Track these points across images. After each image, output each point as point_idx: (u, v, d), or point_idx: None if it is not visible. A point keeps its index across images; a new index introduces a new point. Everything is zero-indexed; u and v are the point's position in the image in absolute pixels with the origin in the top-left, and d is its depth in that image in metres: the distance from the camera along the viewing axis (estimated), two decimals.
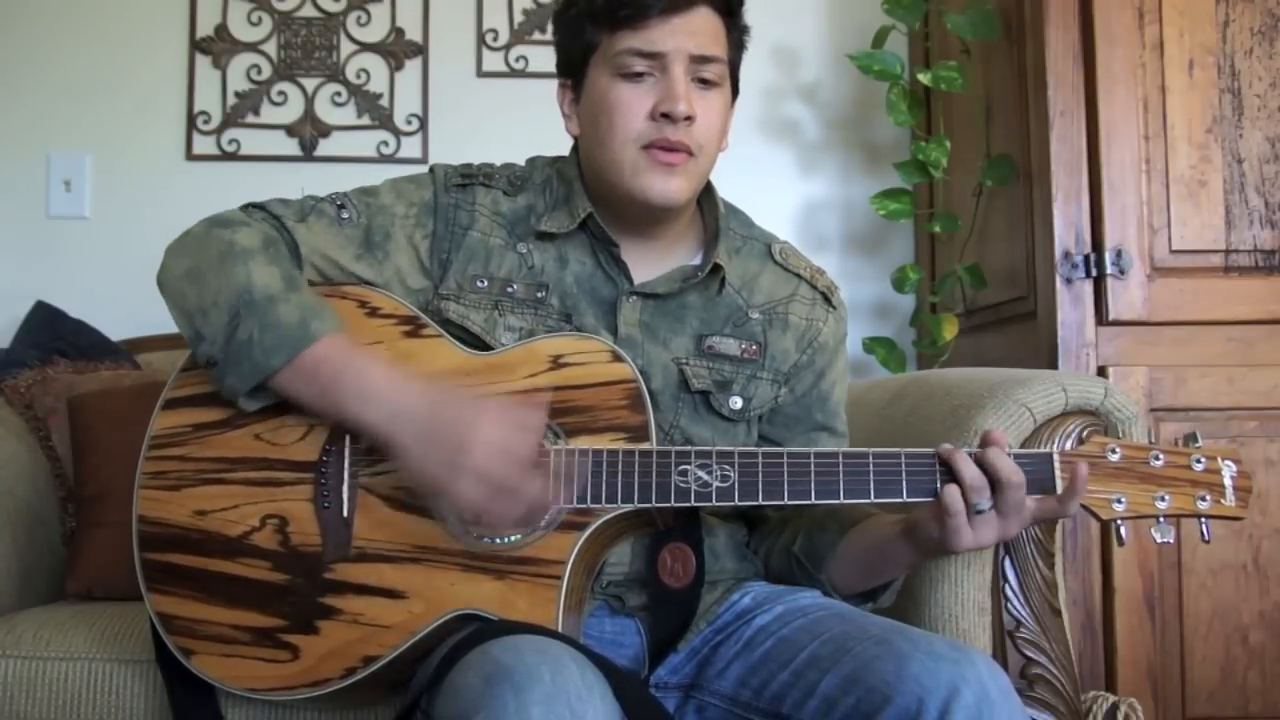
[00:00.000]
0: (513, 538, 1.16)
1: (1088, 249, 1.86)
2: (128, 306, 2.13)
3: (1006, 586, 1.36)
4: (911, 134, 2.39)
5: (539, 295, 1.30)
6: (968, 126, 2.22)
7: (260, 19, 2.45)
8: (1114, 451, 1.15)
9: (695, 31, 1.23)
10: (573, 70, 1.30)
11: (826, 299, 1.39)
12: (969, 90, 2.17)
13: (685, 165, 1.25)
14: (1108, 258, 1.84)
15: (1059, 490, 1.14)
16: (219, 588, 1.20)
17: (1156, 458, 1.15)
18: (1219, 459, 1.15)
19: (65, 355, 2.04)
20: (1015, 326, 2.08)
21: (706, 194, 1.37)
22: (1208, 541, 1.16)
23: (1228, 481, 1.15)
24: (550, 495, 1.14)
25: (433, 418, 1.12)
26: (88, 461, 1.83)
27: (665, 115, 1.22)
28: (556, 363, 1.22)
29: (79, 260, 2.37)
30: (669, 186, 1.25)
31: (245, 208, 1.30)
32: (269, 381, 1.18)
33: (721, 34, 1.27)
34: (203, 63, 2.44)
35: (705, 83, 1.25)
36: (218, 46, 2.44)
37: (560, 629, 1.12)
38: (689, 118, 1.22)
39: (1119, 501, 1.15)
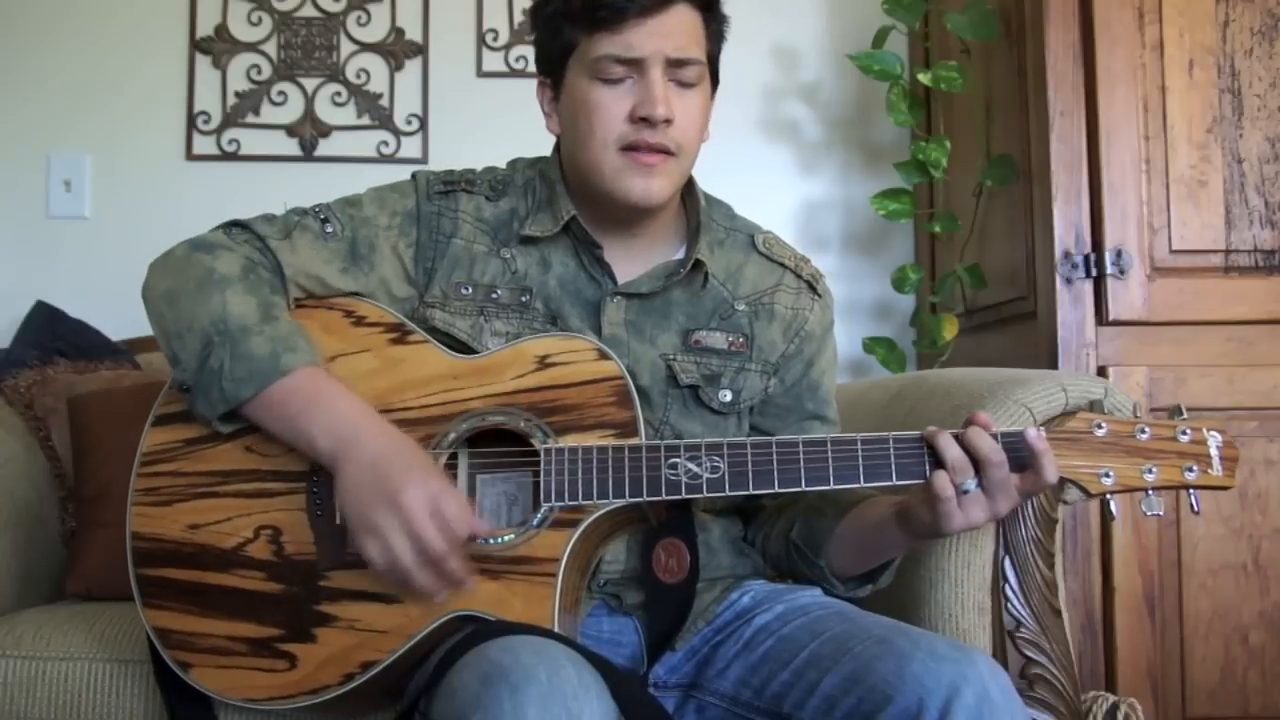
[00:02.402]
0: (506, 538, 1.16)
1: (1088, 249, 1.87)
2: (128, 306, 2.10)
3: (1006, 586, 1.36)
4: (911, 134, 2.39)
5: (523, 300, 1.30)
6: (968, 126, 2.22)
7: (260, 19, 2.45)
8: (1100, 427, 1.16)
9: (672, 32, 1.23)
10: (552, 69, 1.30)
11: (811, 287, 1.39)
12: (969, 90, 2.17)
13: (665, 165, 1.25)
14: (1108, 258, 1.85)
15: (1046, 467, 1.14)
16: (215, 600, 1.20)
17: (1142, 431, 1.16)
18: (1204, 430, 1.16)
19: (65, 355, 2.04)
20: (1015, 326, 2.08)
21: (688, 188, 1.37)
22: (1197, 512, 1.17)
23: (1214, 452, 1.16)
24: (435, 589, 1.12)
25: (377, 464, 1.12)
26: (88, 461, 1.83)
27: (643, 119, 1.22)
28: (543, 363, 1.22)
29: (79, 260, 2.37)
30: (650, 187, 1.25)
31: (229, 228, 1.29)
32: (239, 411, 1.18)
33: (699, 30, 1.26)
34: (203, 63, 2.44)
35: (684, 84, 1.25)
36: (218, 46, 2.44)
37: (556, 628, 1.12)
38: (667, 120, 1.22)
39: (1107, 475, 1.15)
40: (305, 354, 1.19)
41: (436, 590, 1.11)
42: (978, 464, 1.12)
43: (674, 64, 1.23)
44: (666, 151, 1.24)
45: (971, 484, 1.12)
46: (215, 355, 1.17)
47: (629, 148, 1.23)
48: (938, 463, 1.13)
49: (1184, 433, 1.16)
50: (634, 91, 1.23)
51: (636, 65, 1.22)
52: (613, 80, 1.23)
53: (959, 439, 1.13)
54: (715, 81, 1.32)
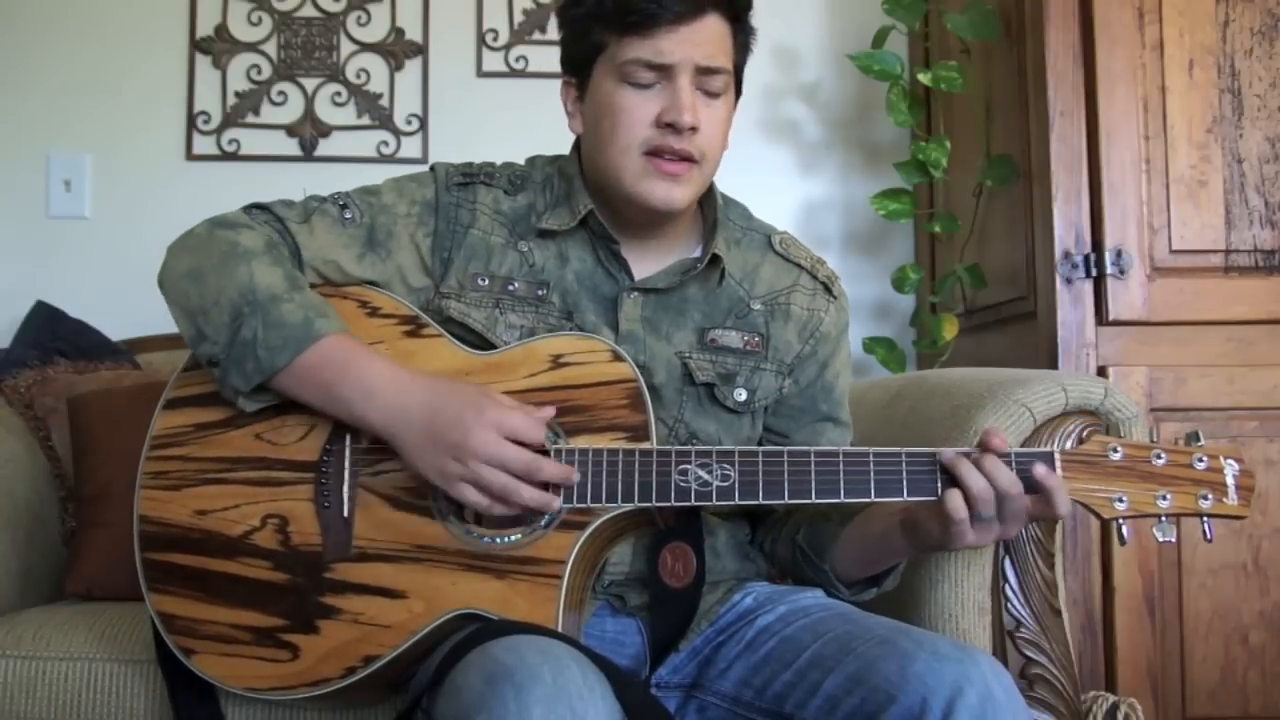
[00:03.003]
0: (513, 537, 1.17)
1: (1088, 249, 1.87)
2: (128, 306, 2.13)
3: (1006, 586, 1.36)
4: (911, 134, 2.39)
5: (539, 293, 1.30)
6: (968, 126, 2.22)
7: (260, 19, 2.45)
8: (1115, 450, 1.15)
9: (702, 41, 1.22)
10: (577, 69, 1.29)
11: (827, 289, 1.39)
12: (969, 90, 2.17)
13: (689, 174, 1.25)
14: (1108, 258, 1.85)
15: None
16: (220, 587, 1.20)
17: (1158, 456, 1.15)
18: (1221, 458, 1.15)
19: (65, 355, 2.04)
20: (1015, 326, 2.08)
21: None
22: (1210, 540, 1.16)
23: (1230, 480, 1.14)
24: (547, 499, 1.14)
25: (433, 417, 1.14)
26: (88, 461, 1.83)
27: (669, 125, 1.22)
28: (556, 362, 1.22)
29: (79, 260, 2.37)
30: (671, 194, 1.25)
31: (249, 209, 1.30)
32: (272, 381, 1.18)
33: (728, 40, 1.26)
34: (203, 63, 2.44)
35: (710, 93, 1.25)
36: (218, 46, 2.44)
37: (560, 628, 1.12)
38: (693, 128, 1.22)
39: (1120, 500, 1.14)
40: (336, 320, 1.20)
41: (547, 499, 1.14)
42: (996, 495, 1.12)
43: (702, 72, 1.23)
44: (690, 159, 1.24)
45: (991, 513, 1.12)
46: (247, 325, 1.17)
47: (652, 152, 1.23)
48: (951, 480, 1.13)
49: (1200, 460, 1.14)
50: (661, 97, 1.23)
51: (665, 71, 1.22)
52: (641, 85, 1.23)
53: (978, 464, 1.12)
54: (738, 92, 1.32)
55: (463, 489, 1.13)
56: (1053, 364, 1.86)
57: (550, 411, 1.18)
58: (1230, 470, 1.15)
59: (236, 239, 1.23)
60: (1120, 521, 1.15)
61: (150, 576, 1.23)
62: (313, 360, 1.17)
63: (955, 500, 1.11)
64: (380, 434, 1.17)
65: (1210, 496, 1.14)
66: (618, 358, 1.21)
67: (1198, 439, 1.16)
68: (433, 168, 1.36)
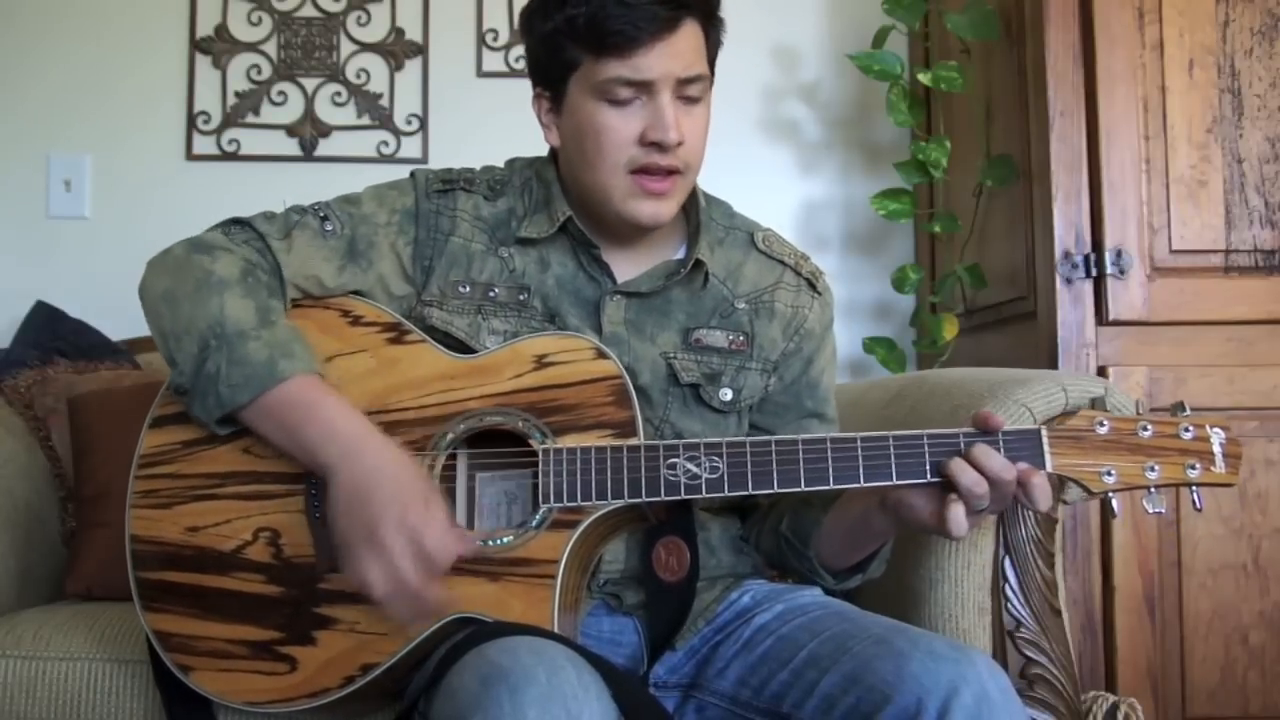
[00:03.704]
0: (505, 539, 1.16)
1: (1088, 249, 1.87)
2: (128, 306, 2.08)
3: (1006, 586, 1.36)
4: (911, 134, 2.39)
5: (521, 298, 1.30)
6: (968, 126, 2.22)
7: (260, 19, 2.45)
8: (1102, 424, 1.15)
9: (681, 52, 1.21)
10: (550, 83, 1.27)
11: (811, 285, 1.39)
12: (969, 90, 2.17)
13: (674, 188, 1.25)
14: (1108, 258, 1.85)
15: (1049, 466, 1.14)
16: (214, 603, 1.20)
17: (1145, 428, 1.15)
18: (1207, 427, 1.15)
19: (65, 355, 2.04)
20: (1015, 326, 2.08)
21: None
22: (1199, 509, 1.16)
23: (1217, 449, 1.14)
24: (409, 624, 1.10)
25: (361, 488, 1.11)
26: (88, 461, 1.83)
27: (655, 144, 1.21)
28: (541, 362, 1.21)
29: (79, 260, 2.37)
30: (659, 211, 1.25)
31: (228, 227, 1.29)
32: (236, 415, 1.18)
33: (702, 42, 1.25)
34: (203, 63, 2.44)
35: (690, 100, 1.24)
36: (218, 46, 2.44)
37: (556, 629, 1.12)
38: (679, 143, 1.22)
39: (1109, 474, 1.14)
40: (302, 361, 1.18)
41: (408, 620, 1.10)
42: (989, 481, 1.11)
43: (682, 83, 1.22)
44: (675, 171, 1.24)
45: (984, 503, 1.12)
46: (212, 359, 1.17)
47: (639, 170, 1.23)
48: (941, 461, 1.13)
49: (1186, 430, 1.14)
50: (643, 114, 1.22)
51: (646, 87, 1.21)
52: (621, 102, 1.21)
53: (967, 458, 1.12)
54: (711, 79, 1.31)
55: (348, 562, 1.10)
56: (1053, 364, 1.86)
57: (473, 549, 1.14)
58: (1217, 439, 1.15)
59: (212, 267, 1.22)
60: (1110, 495, 1.15)
61: (144, 595, 1.22)
62: (274, 401, 1.16)
63: (957, 511, 1.12)
64: (322, 471, 1.14)
65: (1198, 466, 1.14)
66: (601, 355, 1.21)
67: (1183, 409, 1.16)
68: (413, 175, 1.36)
